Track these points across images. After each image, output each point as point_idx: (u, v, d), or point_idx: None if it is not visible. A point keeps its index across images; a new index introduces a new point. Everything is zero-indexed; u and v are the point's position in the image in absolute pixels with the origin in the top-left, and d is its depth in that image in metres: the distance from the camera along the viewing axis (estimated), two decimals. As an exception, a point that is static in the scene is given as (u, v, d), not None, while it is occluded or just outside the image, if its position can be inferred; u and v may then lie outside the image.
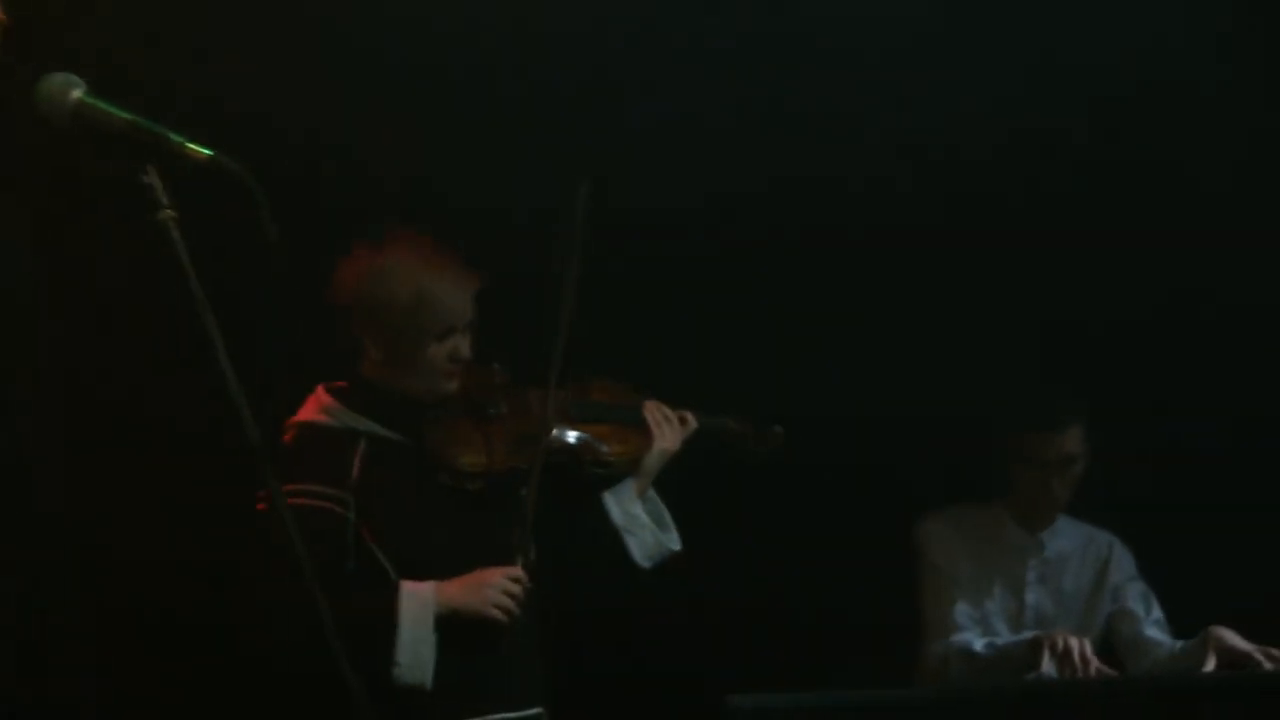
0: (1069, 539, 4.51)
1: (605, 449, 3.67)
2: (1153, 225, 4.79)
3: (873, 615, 4.64)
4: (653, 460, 3.72)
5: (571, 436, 3.64)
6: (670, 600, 4.09)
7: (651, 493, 3.76)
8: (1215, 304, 4.85)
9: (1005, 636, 4.29)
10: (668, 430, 3.74)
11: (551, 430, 3.53)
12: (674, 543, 3.75)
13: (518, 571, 3.37)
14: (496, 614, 3.32)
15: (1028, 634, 4.16)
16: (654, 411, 3.75)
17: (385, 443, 3.42)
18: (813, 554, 4.79)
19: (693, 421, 3.79)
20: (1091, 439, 4.38)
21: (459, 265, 3.45)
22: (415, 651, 3.24)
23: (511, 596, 3.33)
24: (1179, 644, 4.31)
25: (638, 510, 3.69)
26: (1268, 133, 4.71)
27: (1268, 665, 3.94)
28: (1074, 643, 3.99)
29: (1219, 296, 4.85)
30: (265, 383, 2.39)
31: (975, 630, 4.34)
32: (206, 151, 2.35)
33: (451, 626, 3.31)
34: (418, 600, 3.27)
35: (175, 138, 2.36)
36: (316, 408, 3.44)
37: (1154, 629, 4.41)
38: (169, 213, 2.35)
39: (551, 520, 3.60)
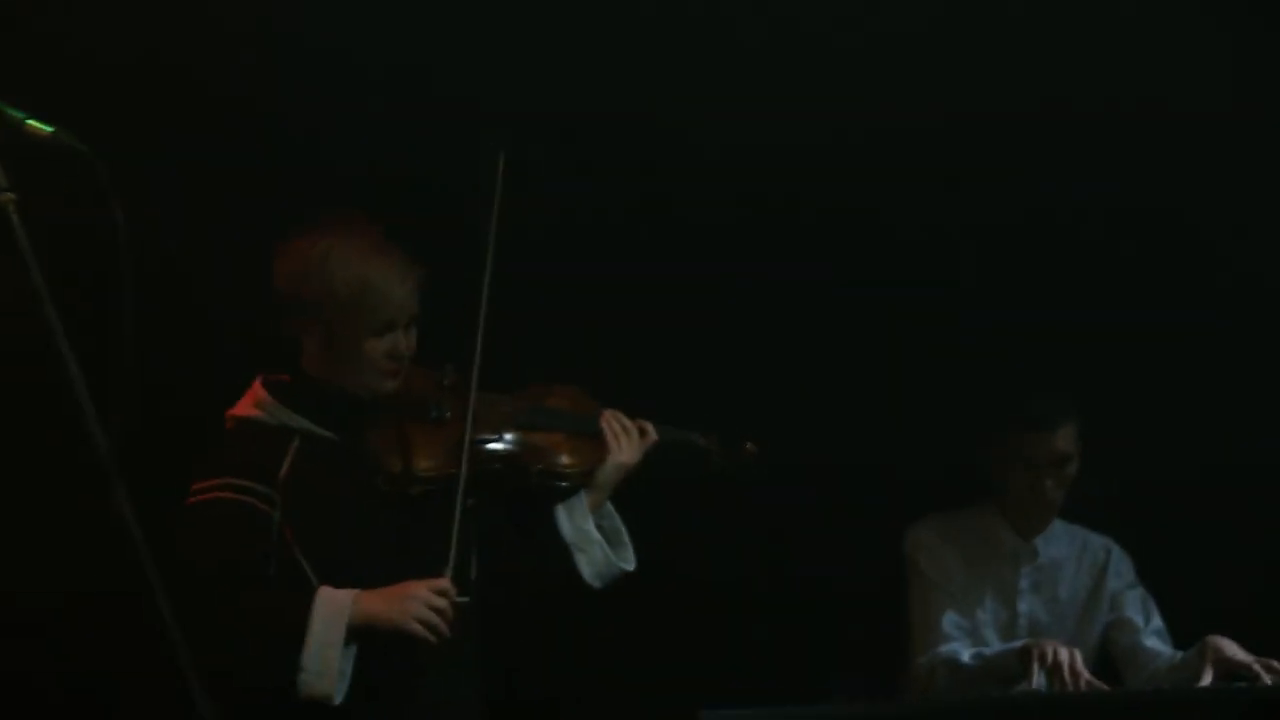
0: (1064, 544, 4.35)
1: (558, 459, 3.46)
2: (1154, 222, 4.66)
3: (859, 625, 4.54)
4: (608, 474, 3.51)
5: (514, 444, 3.43)
6: (637, 608, 3.88)
7: (609, 508, 3.55)
8: (1219, 300, 4.70)
9: (996, 647, 4.13)
10: (625, 442, 3.52)
11: (475, 435, 3.31)
12: (628, 563, 3.54)
13: (444, 584, 3.15)
14: (417, 628, 3.10)
15: (1016, 643, 4.02)
16: (612, 422, 3.54)
17: (320, 441, 3.26)
18: (796, 562, 4.66)
19: (653, 433, 3.57)
20: (1085, 438, 4.23)
21: (402, 256, 3.27)
22: (322, 658, 3.03)
23: (436, 611, 3.11)
24: (1179, 655, 4.15)
25: (589, 526, 3.48)
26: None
27: (1267, 678, 3.78)
28: (1064, 654, 3.84)
29: (1223, 292, 4.71)
30: (117, 381, 2.20)
31: (965, 641, 4.19)
32: (47, 128, 2.18)
33: (372, 642, 3.11)
34: (333, 606, 3.08)
35: (12, 113, 2.19)
36: (251, 401, 3.29)
37: (1153, 639, 4.26)
38: (8, 196, 2.18)
39: (498, 533, 3.43)
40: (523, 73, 4.27)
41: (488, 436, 3.36)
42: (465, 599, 3.20)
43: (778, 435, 4.27)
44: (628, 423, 3.54)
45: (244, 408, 3.28)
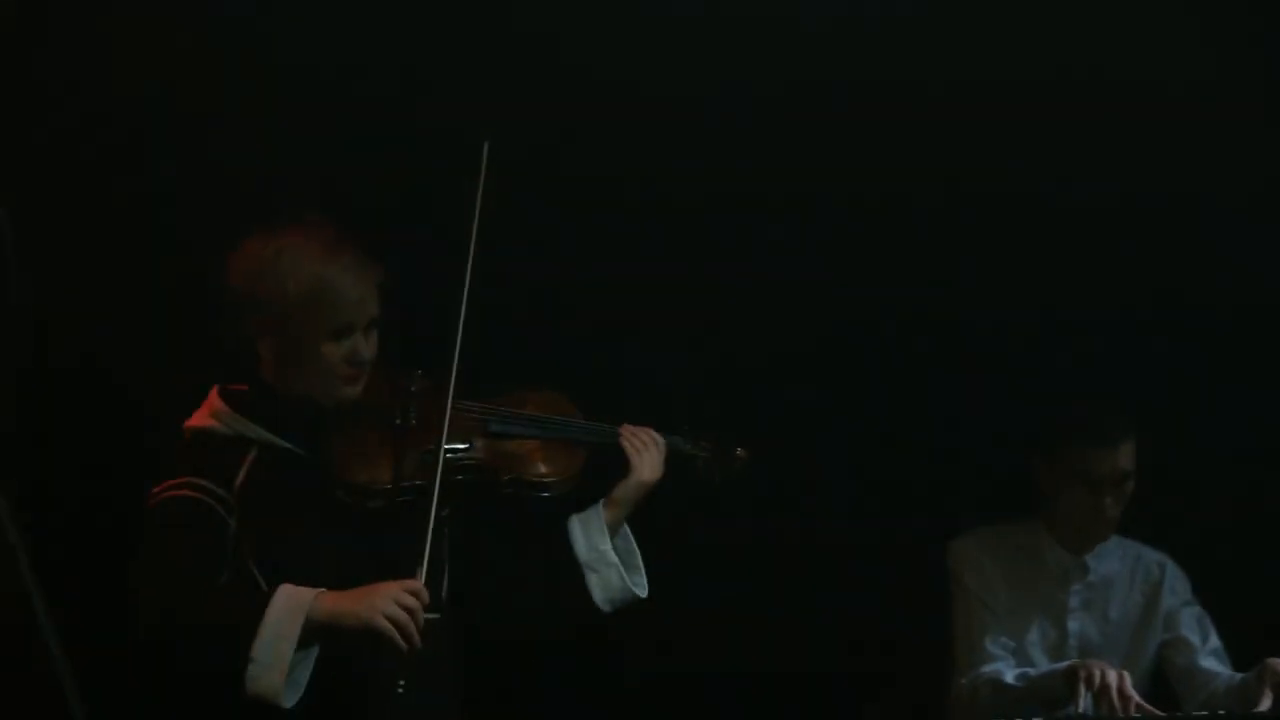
0: (1115, 560, 4.19)
1: (533, 468, 3.28)
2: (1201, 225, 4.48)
3: (900, 645, 4.42)
4: (630, 491, 3.34)
5: (482, 453, 3.25)
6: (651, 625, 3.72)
7: (625, 529, 3.38)
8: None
9: (1041, 667, 3.99)
10: (648, 458, 3.35)
11: (449, 442, 3.14)
12: (640, 588, 3.37)
13: (416, 584, 2.97)
14: (385, 625, 2.90)
15: (1062, 664, 3.88)
16: (631, 439, 3.37)
17: (278, 452, 3.11)
18: (835, 578, 4.49)
19: (662, 440, 3.41)
20: (1144, 454, 4.07)
21: (359, 255, 3.11)
22: (274, 650, 2.84)
23: (407, 611, 2.91)
24: (1238, 676, 4.00)
25: (607, 546, 3.31)
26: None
27: (1328, 702, 3.65)
28: (1112, 676, 3.71)
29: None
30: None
31: (1010, 661, 4.05)
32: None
33: (337, 639, 2.93)
34: (293, 599, 2.91)
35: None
36: (207, 412, 3.15)
37: (1210, 659, 4.10)
38: None
39: (474, 548, 3.27)
40: (510, 68, 4.20)
41: (454, 445, 3.18)
42: (435, 615, 3.03)
43: (806, 445, 4.26)
44: (648, 437, 3.38)
45: (199, 418, 3.14)
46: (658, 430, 3.43)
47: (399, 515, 3.09)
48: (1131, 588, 4.17)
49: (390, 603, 2.90)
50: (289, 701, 2.87)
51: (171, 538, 2.97)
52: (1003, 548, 4.15)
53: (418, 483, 3.10)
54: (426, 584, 2.99)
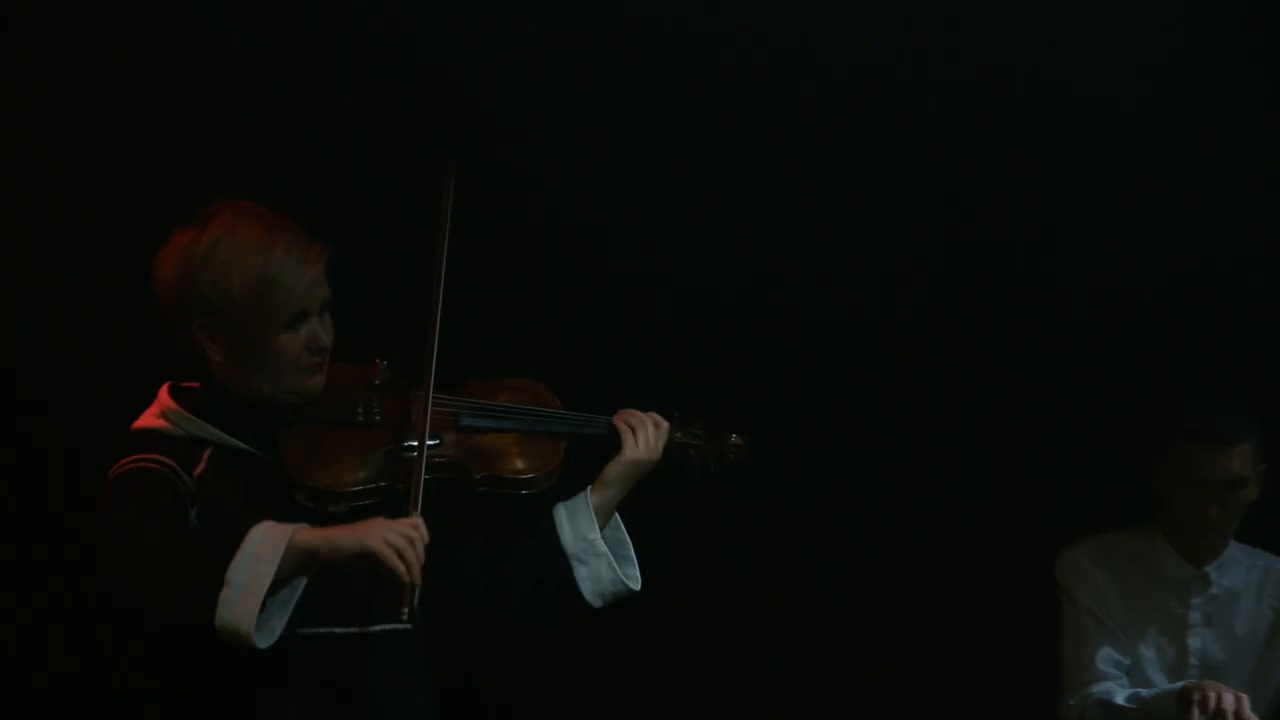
0: (1241, 571, 3.96)
1: (509, 465, 3.07)
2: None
3: (998, 660, 4.30)
4: (621, 470, 3.13)
5: (452, 449, 3.04)
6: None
7: (616, 517, 3.18)
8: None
9: (1154, 688, 3.79)
10: (643, 437, 3.13)
11: (404, 441, 2.95)
12: (634, 581, 3.17)
13: (416, 519, 2.79)
14: (384, 547, 2.72)
15: (1176, 685, 3.68)
16: (627, 416, 3.18)
17: (235, 454, 2.95)
18: (926, 586, 4.37)
19: (665, 425, 3.20)
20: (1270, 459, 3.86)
21: (301, 235, 2.93)
22: (253, 573, 2.67)
23: (408, 540, 2.73)
24: None
25: (596, 536, 3.11)
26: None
27: None
28: (1229, 699, 3.53)
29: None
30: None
31: (1123, 680, 3.85)
32: None
33: (331, 571, 2.76)
34: (273, 528, 2.73)
35: None
36: (157, 411, 2.98)
37: None
38: None
39: (452, 555, 3.07)
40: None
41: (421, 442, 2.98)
42: (407, 626, 2.85)
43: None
44: (645, 416, 3.17)
45: (148, 419, 2.97)
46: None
47: (366, 519, 2.88)
48: (1260, 601, 3.94)
49: (390, 530, 2.74)
50: (262, 641, 2.69)
51: (137, 498, 2.81)
52: (1116, 558, 3.96)
53: (383, 484, 2.93)
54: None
